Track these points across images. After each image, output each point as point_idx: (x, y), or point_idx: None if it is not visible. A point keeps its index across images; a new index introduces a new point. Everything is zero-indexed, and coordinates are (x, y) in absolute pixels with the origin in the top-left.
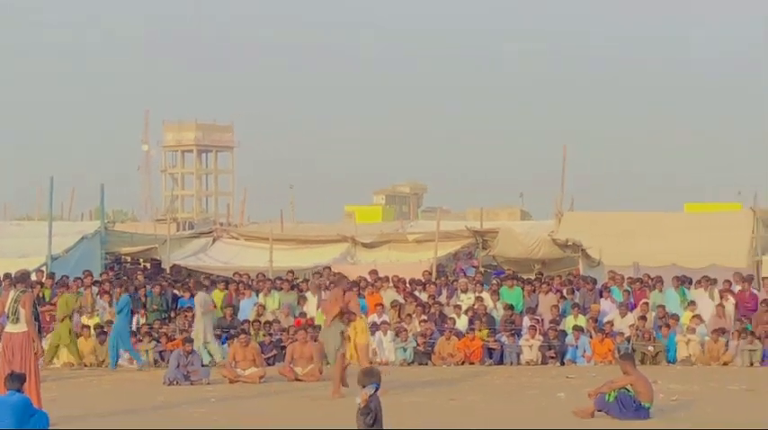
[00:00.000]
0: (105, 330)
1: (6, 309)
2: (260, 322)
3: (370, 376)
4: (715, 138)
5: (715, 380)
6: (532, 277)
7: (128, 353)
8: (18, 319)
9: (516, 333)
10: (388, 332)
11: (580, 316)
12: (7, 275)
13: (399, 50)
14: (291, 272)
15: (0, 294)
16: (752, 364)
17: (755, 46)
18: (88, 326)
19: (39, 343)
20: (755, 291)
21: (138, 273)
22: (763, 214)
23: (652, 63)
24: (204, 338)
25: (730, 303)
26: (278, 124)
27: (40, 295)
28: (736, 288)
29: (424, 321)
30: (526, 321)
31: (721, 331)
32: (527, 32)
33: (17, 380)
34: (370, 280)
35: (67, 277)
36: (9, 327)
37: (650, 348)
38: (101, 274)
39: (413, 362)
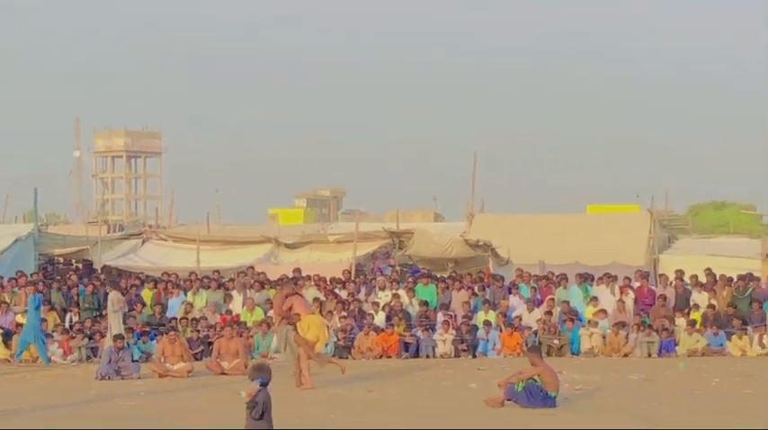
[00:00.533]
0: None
1: None
2: (188, 319)
3: (259, 371)
4: (615, 145)
5: (616, 370)
6: (446, 275)
7: (61, 349)
8: None
9: (431, 328)
10: None
11: (490, 311)
12: None
13: (319, 57)
14: (217, 271)
15: None
16: (650, 355)
17: (655, 48)
18: (21, 324)
19: None
20: (653, 287)
21: (71, 272)
22: (659, 215)
23: (558, 70)
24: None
25: (630, 298)
26: (204, 130)
27: None
28: (636, 284)
29: (344, 317)
30: (440, 317)
31: (621, 325)
32: (438, 38)
33: None
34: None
35: (1, 277)
36: None
37: (556, 341)
38: (32, 275)
39: (334, 356)
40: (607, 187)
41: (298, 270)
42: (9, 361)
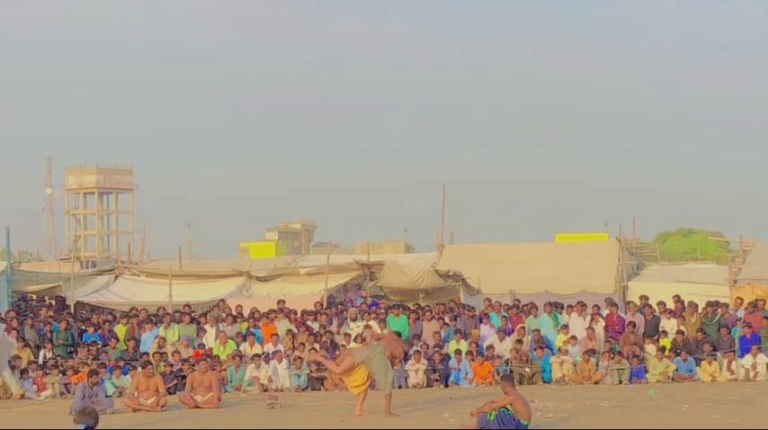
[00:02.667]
0: (13, 364)
1: None
2: (161, 353)
3: (82, 415)
4: (583, 175)
5: (587, 397)
6: (420, 305)
7: (35, 385)
8: None
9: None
10: (283, 360)
11: (462, 340)
12: None
13: (287, 91)
14: (188, 305)
15: None
16: (621, 382)
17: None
18: None
19: None
20: (622, 315)
21: (44, 308)
22: (627, 243)
23: (516, 100)
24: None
25: (600, 326)
26: (175, 166)
27: None
28: (605, 312)
29: (314, 349)
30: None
31: (592, 352)
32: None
33: None
34: (263, 311)
35: None
36: None
37: (527, 369)
38: (6, 312)
39: (306, 388)
40: (575, 216)
41: (282, 301)
42: None
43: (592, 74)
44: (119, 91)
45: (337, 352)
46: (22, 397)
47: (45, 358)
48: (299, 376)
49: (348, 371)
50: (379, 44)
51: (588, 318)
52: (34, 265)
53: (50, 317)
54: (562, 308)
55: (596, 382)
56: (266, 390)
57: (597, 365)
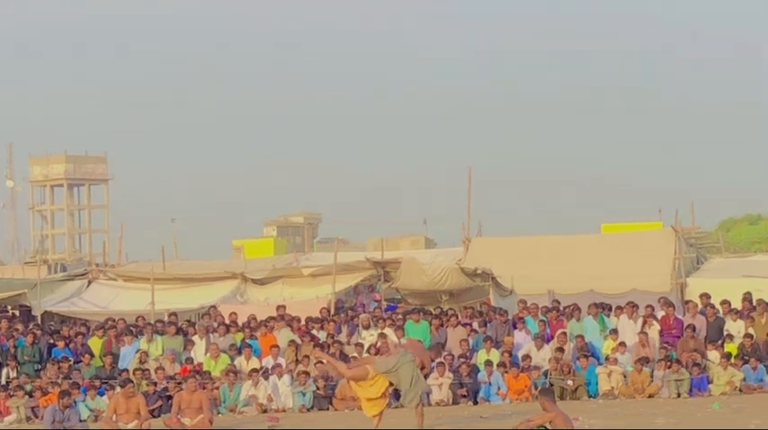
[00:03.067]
0: None
1: None
2: (143, 370)
3: None
4: (633, 155)
5: (640, 414)
6: (444, 309)
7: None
8: None
9: None
10: (284, 376)
11: (493, 350)
12: None
13: (285, 69)
14: (174, 314)
15: None
16: (679, 395)
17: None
18: None
19: None
20: (680, 317)
21: (4, 320)
22: (685, 233)
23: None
24: None
25: (654, 330)
26: (156, 153)
27: None
28: (660, 313)
29: (322, 362)
30: None
31: (645, 360)
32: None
33: None
34: (261, 319)
35: None
36: None
37: (570, 382)
38: None
39: (312, 408)
40: (624, 202)
41: (282, 307)
42: None
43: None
44: (89, 68)
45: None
46: None
47: (8, 378)
48: (304, 394)
49: (360, 378)
50: (397, 22)
51: (640, 320)
52: None
53: (14, 330)
54: (610, 309)
55: (650, 396)
56: (265, 411)
57: (651, 376)
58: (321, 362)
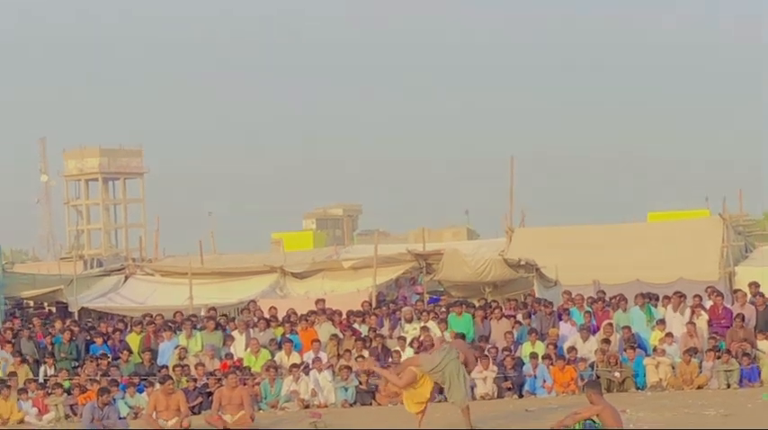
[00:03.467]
0: (9, 384)
1: None
2: (182, 366)
3: None
4: (679, 142)
5: (689, 405)
6: (487, 301)
7: (35, 407)
8: None
9: None
10: (325, 371)
11: (538, 342)
12: None
13: (322, 59)
14: (213, 309)
15: None
16: (729, 386)
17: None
18: None
19: None
20: (729, 306)
21: (38, 318)
22: (733, 220)
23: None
24: None
25: (702, 320)
26: (192, 145)
27: None
28: (708, 303)
29: (361, 357)
30: None
31: (693, 351)
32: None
33: None
34: (301, 313)
35: None
36: None
37: (617, 374)
38: (3, 322)
39: (355, 403)
40: (670, 190)
41: (322, 301)
42: None
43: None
44: (122, 61)
45: (390, 359)
46: (21, 421)
47: (46, 375)
48: (347, 389)
49: (412, 384)
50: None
51: (688, 311)
52: (30, 266)
53: (50, 327)
54: (657, 299)
55: (699, 387)
56: (307, 407)
57: (700, 367)
58: (362, 357)
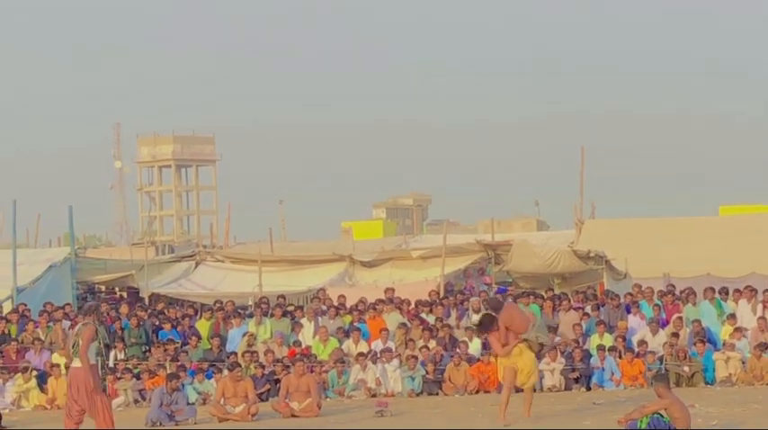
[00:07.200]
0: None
1: (70, 344)
2: (251, 353)
3: None
4: (748, 132)
5: (759, 401)
6: (555, 292)
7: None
8: (77, 353)
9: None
10: (394, 360)
11: (606, 334)
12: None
13: (392, 51)
14: (282, 296)
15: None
16: None
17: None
18: (58, 365)
19: (96, 377)
20: None
21: (105, 303)
22: None
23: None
24: None
25: None
26: (264, 133)
27: (6, 331)
28: None
29: (425, 348)
30: None
31: (765, 346)
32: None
33: None
34: (370, 302)
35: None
36: (74, 362)
37: (686, 368)
38: (65, 305)
39: (422, 393)
40: (742, 184)
41: (391, 290)
42: (46, 407)
43: None
44: (196, 49)
45: (456, 349)
46: None
47: (116, 360)
48: (413, 378)
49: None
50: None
51: (760, 305)
52: (102, 252)
53: (117, 311)
54: (727, 293)
55: None
56: (374, 396)
57: None
58: (426, 347)
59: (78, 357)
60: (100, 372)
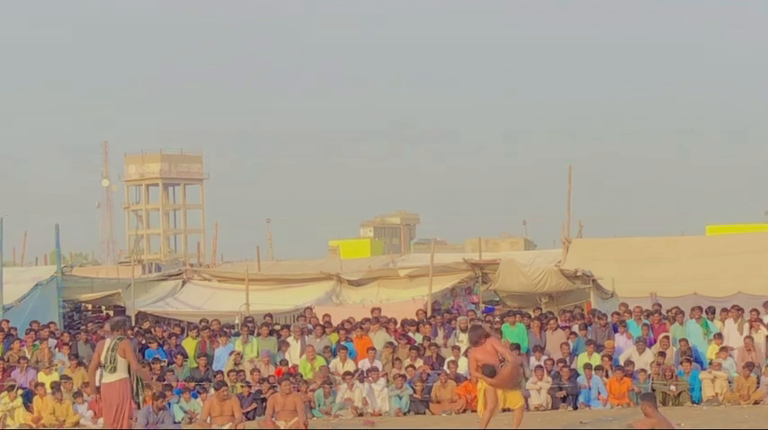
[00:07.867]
0: (65, 387)
1: (102, 359)
2: (237, 372)
3: None
4: (739, 154)
5: (745, 421)
6: (543, 311)
7: (91, 410)
8: (115, 369)
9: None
10: (380, 379)
11: (594, 354)
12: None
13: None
14: (269, 315)
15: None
16: None
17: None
18: (43, 384)
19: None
20: None
21: (89, 322)
22: None
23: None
24: None
25: (761, 334)
26: (252, 152)
27: None
28: (766, 317)
29: (411, 367)
30: (533, 361)
31: (751, 366)
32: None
33: None
34: (357, 321)
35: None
36: (105, 378)
37: (672, 387)
38: (49, 324)
39: (409, 412)
40: (729, 203)
41: (378, 309)
42: (32, 426)
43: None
44: (183, 67)
45: (443, 368)
46: (76, 424)
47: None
48: (401, 397)
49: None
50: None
51: (746, 325)
52: (89, 270)
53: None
54: (714, 313)
55: (756, 402)
56: (361, 415)
57: (758, 382)
58: (412, 367)
59: (117, 372)
60: (134, 386)
